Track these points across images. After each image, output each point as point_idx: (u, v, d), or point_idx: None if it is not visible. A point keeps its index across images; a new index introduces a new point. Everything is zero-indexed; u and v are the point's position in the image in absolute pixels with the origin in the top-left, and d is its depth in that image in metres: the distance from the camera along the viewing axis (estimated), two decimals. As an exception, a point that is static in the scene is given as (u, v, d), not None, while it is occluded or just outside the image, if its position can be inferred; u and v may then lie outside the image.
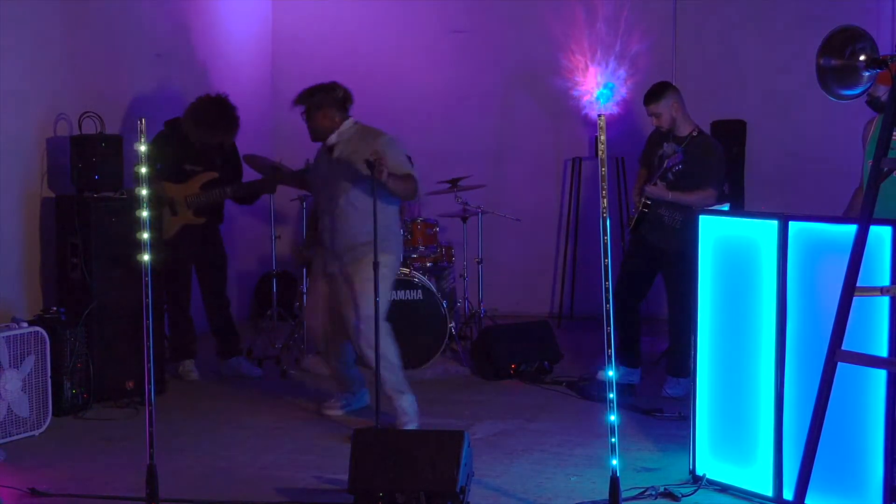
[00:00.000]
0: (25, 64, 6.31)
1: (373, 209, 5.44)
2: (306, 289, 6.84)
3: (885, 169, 3.59)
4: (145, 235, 4.37)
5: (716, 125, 8.36)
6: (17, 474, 4.91)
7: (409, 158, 5.88)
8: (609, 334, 4.19)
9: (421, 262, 7.51)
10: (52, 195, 6.46)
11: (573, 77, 8.82)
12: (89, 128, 6.42)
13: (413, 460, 4.35)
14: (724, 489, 4.69)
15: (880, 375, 4.18)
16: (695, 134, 6.35)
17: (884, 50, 3.82)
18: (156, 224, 6.10)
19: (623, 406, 5.62)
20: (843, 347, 3.57)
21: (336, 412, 6.01)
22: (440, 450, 4.36)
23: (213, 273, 6.97)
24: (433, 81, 9.30)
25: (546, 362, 7.05)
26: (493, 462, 5.13)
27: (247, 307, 9.09)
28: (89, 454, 5.34)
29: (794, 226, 4.41)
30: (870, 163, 4.41)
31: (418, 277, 7.17)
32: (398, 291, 7.04)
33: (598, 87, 8.77)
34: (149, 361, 4.35)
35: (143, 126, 4.41)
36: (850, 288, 3.56)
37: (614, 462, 4.20)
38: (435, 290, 7.20)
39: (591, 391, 6.38)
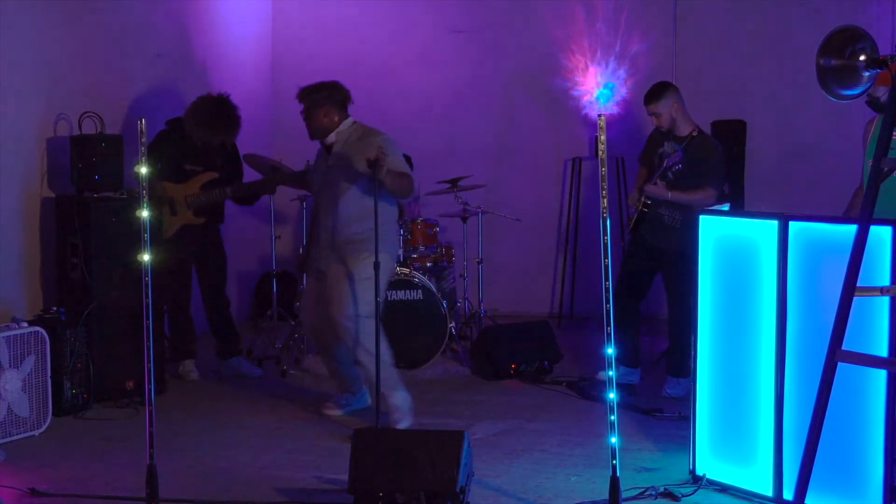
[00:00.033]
0: (25, 64, 6.31)
1: (369, 208, 5.48)
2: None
3: (885, 169, 3.59)
4: (145, 235, 4.38)
5: (716, 125, 8.36)
6: (17, 474, 4.90)
7: (409, 159, 5.88)
8: (609, 334, 4.19)
9: (421, 262, 7.51)
10: (52, 195, 6.46)
11: (573, 77, 8.83)
12: (89, 128, 6.42)
13: (413, 460, 4.35)
14: (724, 489, 4.69)
15: (880, 375, 4.18)
16: (695, 134, 6.35)
17: (884, 50, 3.81)
18: (155, 224, 6.11)
19: (623, 406, 5.62)
20: (843, 347, 3.57)
21: (336, 412, 6.01)
22: (440, 450, 4.36)
23: (213, 273, 6.97)
24: (433, 81, 9.30)
25: (546, 362, 7.05)
26: (493, 462, 5.13)
27: (247, 307, 9.09)
28: (89, 454, 5.34)
29: (794, 226, 4.41)
30: (870, 163, 4.41)
31: (418, 277, 7.17)
32: (398, 291, 7.06)
33: (598, 87, 8.77)
34: (149, 361, 4.35)
35: (143, 126, 4.42)
36: (850, 288, 3.56)
37: (614, 462, 4.20)
38: (435, 290, 7.20)
39: (591, 391, 6.38)
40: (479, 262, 8.02)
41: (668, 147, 6.36)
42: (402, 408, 5.65)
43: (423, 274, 7.38)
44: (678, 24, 8.82)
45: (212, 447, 5.46)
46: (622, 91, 8.74)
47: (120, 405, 6.12)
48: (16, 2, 6.22)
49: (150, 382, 4.35)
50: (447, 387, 6.81)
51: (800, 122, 8.57)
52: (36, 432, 5.61)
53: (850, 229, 3.82)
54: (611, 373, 4.19)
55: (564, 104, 8.90)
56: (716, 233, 4.73)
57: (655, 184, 6.31)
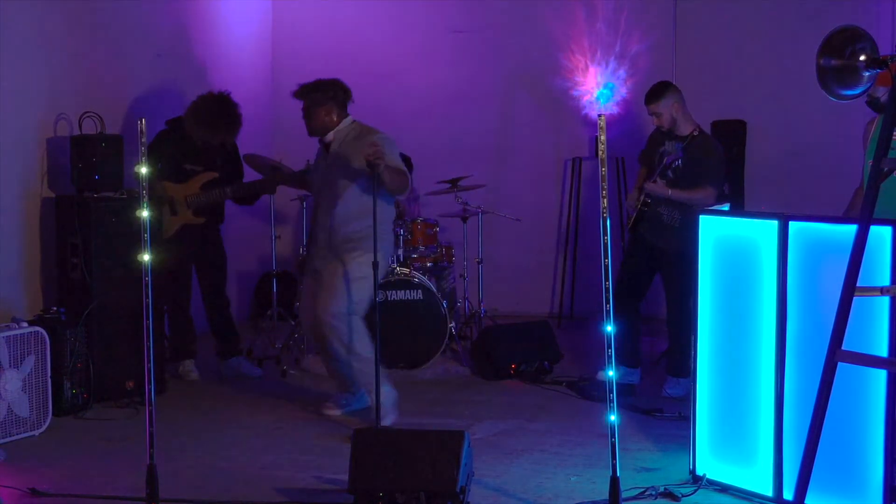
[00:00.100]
0: (26, 64, 6.31)
1: (367, 207, 5.52)
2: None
3: (885, 169, 3.59)
4: (145, 235, 4.38)
5: (716, 125, 8.36)
6: (17, 474, 4.90)
7: (409, 160, 5.89)
8: (609, 334, 4.19)
9: (421, 262, 7.51)
10: (52, 195, 6.46)
11: (573, 77, 8.83)
12: (89, 128, 6.42)
13: (413, 460, 4.35)
14: (724, 489, 4.69)
15: (880, 375, 4.18)
16: (695, 133, 6.35)
17: (884, 50, 3.81)
18: (155, 224, 6.11)
19: (623, 406, 5.62)
20: (843, 347, 3.57)
21: (336, 412, 6.01)
22: (440, 450, 4.36)
23: (213, 273, 6.97)
24: (433, 81, 9.30)
25: (546, 362, 7.05)
26: (493, 462, 5.13)
27: (247, 307, 9.09)
28: (89, 454, 5.34)
29: (794, 226, 4.41)
30: (870, 163, 4.41)
31: (418, 277, 7.17)
32: (398, 291, 7.06)
33: (598, 87, 8.77)
34: (149, 361, 4.35)
35: (144, 126, 4.42)
36: (850, 288, 3.56)
37: (614, 462, 4.20)
38: (435, 290, 7.20)
39: (591, 391, 6.38)
40: (479, 262, 8.01)
41: (668, 146, 6.36)
42: (385, 404, 5.65)
43: (423, 274, 7.38)
44: (678, 24, 8.82)
45: (212, 447, 5.46)
46: (622, 91, 8.74)
47: (120, 405, 6.12)
48: (16, 2, 6.22)
49: (150, 382, 4.35)
50: (447, 387, 6.81)
51: (800, 122, 8.56)
52: (36, 432, 5.61)
53: (850, 229, 3.82)
54: (611, 373, 4.19)
55: (564, 104, 8.89)
56: (716, 233, 4.73)
57: (655, 181, 6.31)
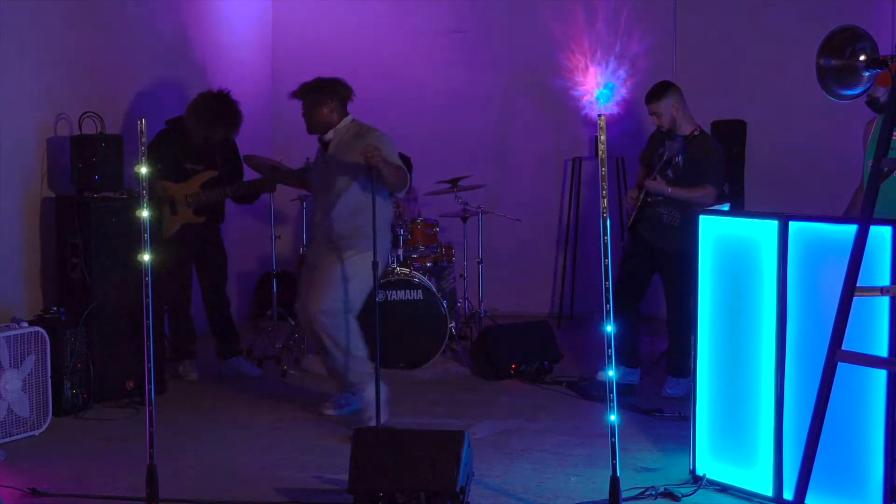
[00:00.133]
0: (26, 64, 6.30)
1: (365, 205, 5.54)
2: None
3: (885, 169, 3.60)
4: (145, 235, 4.38)
5: (716, 125, 8.36)
6: (17, 474, 4.90)
7: (408, 160, 5.91)
8: (609, 334, 4.19)
9: (421, 262, 7.51)
10: (52, 195, 6.46)
11: (573, 77, 8.83)
12: (89, 128, 6.42)
13: (413, 460, 4.35)
14: (724, 489, 4.69)
15: (880, 375, 4.18)
16: (696, 133, 6.35)
17: (884, 50, 3.81)
18: (156, 224, 6.11)
19: (623, 406, 5.62)
20: (843, 347, 3.57)
21: (336, 412, 6.01)
22: (440, 450, 4.36)
23: (214, 272, 6.97)
24: (433, 81, 9.30)
25: (546, 362, 7.05)
26: (493, 462, 5.13)
27: (247, 307, 9.09)
28: (89, 454, 5.34)
29: (794, 226, 4.41)
30: (870, 163, 4.41)
31: (418, 277, 7.17)
32: (398, 291, 7.06)
33: (598, 87, 8.77)
34: (149, 361, 4.35)
35: (144, 126, 4.42)
36: (850, 288, 3.56)
37: (614, 462, 4.20)
38: (435, 290, 7.20)
39: (591, 391, 6.38)
40: (479, 262, 8.01)
41: (669, 145, 6.35)
42: (374, 403, 5.65)
43: (423, 274, 7.38)
44: (678, 24, 8.82)
45: (212, 447, 5.46)
46: (622, 91, 8.74)
47: (120, 405, 6.12)
48: (16, 2, 6.21)
49: (150, 382, 4.35)
50: (447, 387, 6.81)
51: (800, 122, 8.56)
52: (36, 432, 5.61)
53: (850, 229, 3.82)
54: (611, 373, 4.19)
55: (564, 104, 8.90)
56: (715, 232, 4.73)
57: (655, 179, 6.30)
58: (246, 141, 7.21)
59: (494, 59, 9.26)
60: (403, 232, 7.35)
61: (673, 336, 6.44)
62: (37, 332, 5.66)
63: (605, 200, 4.19)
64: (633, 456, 5.19)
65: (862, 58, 3.72)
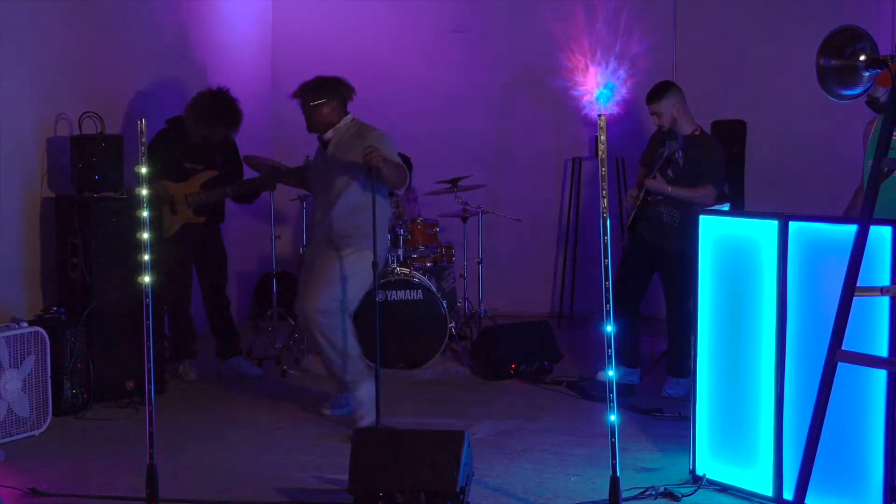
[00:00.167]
0: (26, 64, 6.30)
1: (364, 204, 5.54)
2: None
3: (885, 169, 3.60)
4: (145, 235, 4.38)
5: (716, 125, 8.37)
6: (17, 474, 4.90)
7: (409, 160, 5.91)
8: (609, 334, 4.19)
9: (421, 262, 7.51)
10: (52, 195, 6.46)
11: (573, 77, 8.82)
12: (89, 128, 6.42)
13: (413, 460, 4.35)
14: (724, 489, 4.69)
15: (880, 375, 4.18)
16: (696, 133, 6.35)
17: (884, 50, 3.81)
18: (156, 223, 6.10)
19: (623, 406, 5.62)
20: (843, 347, 3.57)
21: (336, 412, 6.01)
22: (440, 450, 4.36)
23: (214, 272, 6.97)
24: (433, 81, 9.30)
25: (546, 362, 7.05)
26: (493, 462, 5.13)
27: (247, 307, 9.09)
28: (89, 454, 5.34)
29: (794, 226, 4.41)
30: (870, 163, 4.41)
31: (418, 277, 7.17)
32: (398, 291, 7.06)
33: (598, 87, 8.77)
34: (149, 361, 4.35)
35: (144, 126, 4.42)
36: (850, 288, 3.56)
37: (614, 462, 4.20)
38: (435, 290, 7.20)
39: (591, 391, 6.38)
40: (479, 262, 8.02)
41: (669, 145, 6.35)
42: (367, 402, 5.68)
43: (423, 274, 7.38)
44: (678, 25, 8.82)
45: (212, 447, 5.46)
46: (622, 91, 8.74)
47: (120, 405, 6.12)
48: (16, 2, 6.21)
49: (150, 382, 4.35)
50: (447, 387, 6.81)
51: (800, 122, 8.57)
52: (36, 432, 5.61)
53: (850, 229, 3.82)
54: (611, 373, 4.19)
55: (564, 104, 8.89)
56: (715, 232, 4.73)
57: (655, 177, 6.30)
58: (246, 141, 7.21)
59: (494, 59, 9.26)
60: (403, 232, 7.34)
61: (673, 336, 6.44)
62: (37, 332, 5.66)
63: (605, 200, 4.19)
64: (633, 456, 5.19)
65: (862, 58, 3.72)
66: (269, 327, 7.75)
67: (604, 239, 4.17)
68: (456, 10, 9.33)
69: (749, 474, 4.60)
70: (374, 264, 5.39)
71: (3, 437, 5.40)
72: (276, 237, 7.81)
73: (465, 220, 7.90)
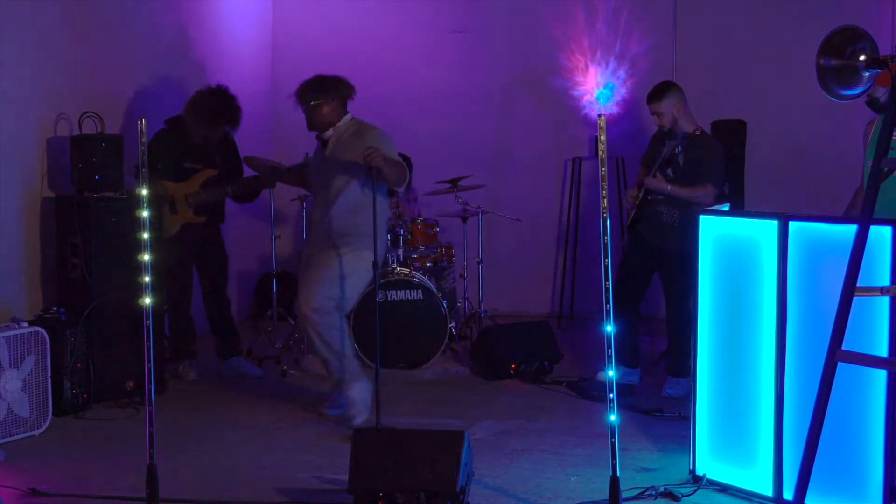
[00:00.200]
0: (26, 64, 6.30)
1: (363, 203, 5.55)
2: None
3: (885, 169, 3.59)
4: (145, 235, 4.38)
5: (716, 125, 8.36)
6: (17, 474, 4.90)
7: (408, 160, 5.91)
8: (609, 334, 4.19)
9: (421, 262, 7.51)
10: (52, 195, 6.46)
11: (573, 77, 8.82)
12: (89, 128, 6.42)
13: (413, 460, 4.35)
14: (724, 489, 4.69)
15: (880, 375, 4.18)
16: (697, 133, 6.35)
17: (884, 50, 3.81)
18: (156, 223, 6.11)
19: (623, 406, 5.62)
20: (843, 347, 3.57)
21: (335, 412, 6.01)
22: (440, 450, 4.36)
23: (214, 272, 6.97)
24: (433, 81, 9.30)
25: (546, 362, 7.05)
26: (493, 462, 5.13)
27: (247, 307, 9.09)
28: (89, 454, 5.34)
29: (794, 226, 4.41)
30: (870, 163, 4.41)
31: (418, 277, 7.17)
32: (398, 291, 7.06)
33: (598, 88, 8.76)
34: (149, 361, 4.35)
35: (144, 126, 4.42)
36: (850, 288, 3.56)
37: (614, 462, 4.20)
38: (435, 290, 7.20)
39: (591, 391, 6.38)
40: (479, 262, 8.02)
41: (669, 144, 6.35)
42: (359, 402, 5.67)
43: (423, 274, 7.38)
44: (678, 24, 8.82)
45: (212, 447, 5.46)
46: (622, 91, 8.73)
47: (120, 405, 6.12)
48: (16, 2, 6.21)
49: (150, 382, 4.35)
50: (447, 387, 6.81)
51: (800, 122, 8.57)
52: (36, 432, 5.61)
53: (850, 229, 3.82)
54: (611, 373, 4.19)
55: (564, 104, 8.89)
56: (715, 232, 4.73)
57: (655, 176, 6.29)
58: (246, 141, 7.21)
59: (494, 59, 9.26)
60: (403, 232, 7.34)
61: (673, 336, 6.44)
62: (37, 332, 5.66)
63: (605, 200, 4.19)
64: (633, 456, 5.19)
65: (862, 58, 3.72)
66: (269, 327, 7.75)
67: (604, 239, 4.17)
68: (456, 10, 9.34)
69: (749, 474, 4.60)
70: (375, 264, 5.39)
71: (3, 437, 5.41)
72: (276, 237, 7.81)
73: (465, 220, 7.90)
